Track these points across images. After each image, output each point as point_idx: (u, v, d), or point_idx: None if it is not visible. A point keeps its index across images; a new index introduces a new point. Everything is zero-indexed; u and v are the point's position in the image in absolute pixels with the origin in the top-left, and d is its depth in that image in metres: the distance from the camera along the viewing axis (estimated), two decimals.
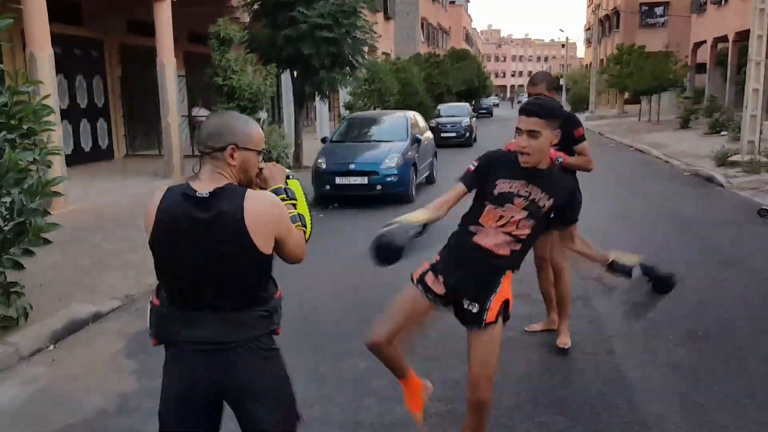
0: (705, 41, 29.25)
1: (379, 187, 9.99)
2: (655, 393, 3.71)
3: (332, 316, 5.12)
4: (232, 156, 1.99)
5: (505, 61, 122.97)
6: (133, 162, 14.10)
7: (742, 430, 3.30)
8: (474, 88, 40.70)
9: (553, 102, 2.93)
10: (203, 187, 1.94)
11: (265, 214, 1.95)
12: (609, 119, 34.00)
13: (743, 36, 23.91)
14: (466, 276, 2.74)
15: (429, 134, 13.21)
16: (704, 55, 29.62)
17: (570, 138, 3.77)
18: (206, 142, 2.00)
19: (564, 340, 4.25)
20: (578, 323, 4.81)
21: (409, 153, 10.68)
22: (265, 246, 1.96)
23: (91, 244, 7.08)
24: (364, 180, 9.95)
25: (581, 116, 38.52)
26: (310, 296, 5.65)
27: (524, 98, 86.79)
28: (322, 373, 4.04)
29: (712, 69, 28.42)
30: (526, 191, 2.68)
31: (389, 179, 10.00)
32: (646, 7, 39.61)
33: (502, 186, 2.69)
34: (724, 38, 26.59)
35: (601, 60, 40.56)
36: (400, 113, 12.84)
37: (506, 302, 2.74)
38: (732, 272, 6.15)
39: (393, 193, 10.15)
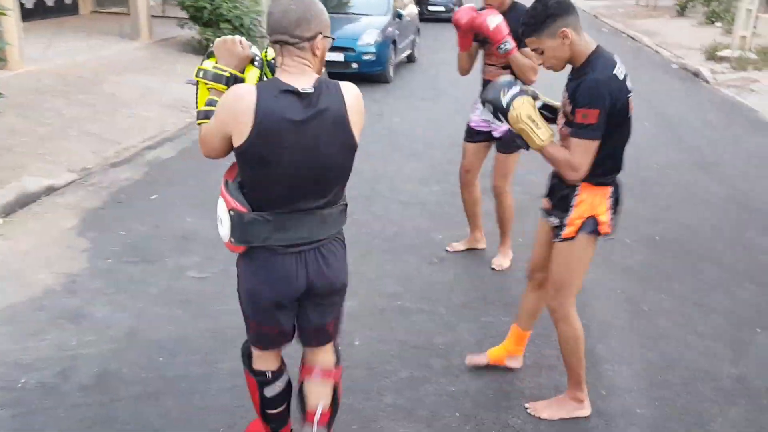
0: None
1: (355, 65, 9.56)
2: (602, 297, 3.75)
3: None
4: (318, 46, 1.86)
5: None
6: (100, 20, 13.28)
7: (682, 337, 3.37)
8: None
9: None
10: (300, 82, 1.82)
11: (358, 105, 1.94)
12: (606, 0, 32.62)
13: None
14: (550, 185, 2.69)
15: (413, 8, 12.53)
16: None
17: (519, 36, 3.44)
18: (293, 31, 1.81)
19: (499, 262, 4.06)
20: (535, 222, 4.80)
21: (389, 29, 10.16)
22: (358, 138, 1.96)
23: (49, 109, 6.76)
24: (339, 56, 9.49)
25: None
26: None
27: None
28: None
29: None
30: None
31: (366, 57, 9.56)
32: None
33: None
34: None
35: None
36: None
37: (591, 219, 2.48)
38: (704, 176, 6.11)
39: (369, 72, 9.76)
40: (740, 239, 4.68)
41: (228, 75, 1.98)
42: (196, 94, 2.03)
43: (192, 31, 10.68)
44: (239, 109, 1.77)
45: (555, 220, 2.59)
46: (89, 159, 5.70)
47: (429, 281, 3.88)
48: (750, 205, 5.36)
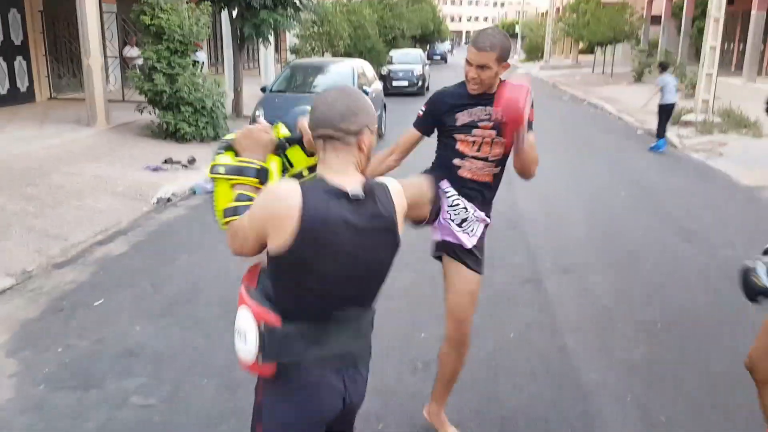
0: None
1: None
2: (612, 405, 3.30)
3: None
4: (365, 140, 1.70)
5: (461, 4, 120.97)
6: (57, 106, 12.92)
7: None
8: (429, 33, 39.63)
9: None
10: (348, 183, 1.65)
11: (403, 203, 1.78)
12: (563, 69, 33.69)
13: None
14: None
15: (378, 85, 12.49)
16: (659, 6, 29.29)
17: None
18: (338, 124, 1.66)
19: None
20: (528, 311, 4.40)
21: None
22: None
23: None
24: None
25: (535, 66, 38.15)
26: (235, 272, 5.04)
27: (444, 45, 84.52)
28: (236, 378, 3.49)
29: (667, 21, 28.13)
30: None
31: None
32: None
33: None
34: None
35: (558, 8, 39.90)
36: (346, 62, 12.03)
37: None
38: (690, 247, 5.83)
39: None
40: (744, 320, 4.32)
41: (258, 167, 1.79)
42: (211, 193, 1.85)
43: (151, 116, 10.36)
44: (281, 210, 1.58)
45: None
46: (30, 260, 5.17)
47: (414, 394, 3.38)
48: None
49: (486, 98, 2.67)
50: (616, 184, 8.46)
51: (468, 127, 2.70)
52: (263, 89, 10.87)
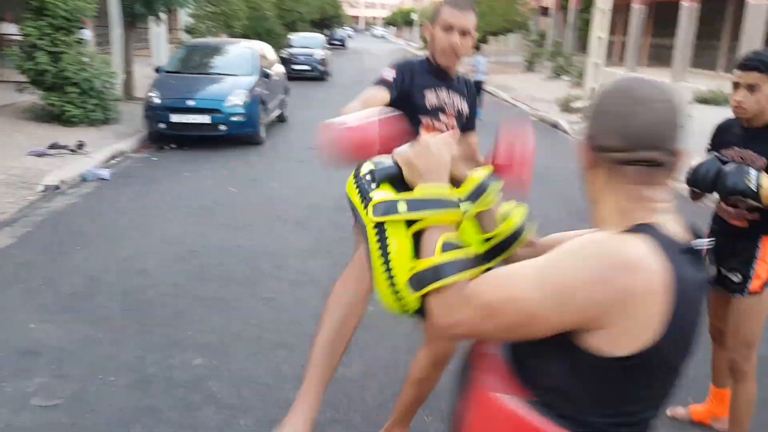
0: None
1: (223, 126, 9.00)
2: None
3: (162, 292, 4.32)
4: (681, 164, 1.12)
5: None
6: None
7: None
8: (328, 18, 39.30)
9: None
10: (677, 229, 1.09)
11: None
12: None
13: None
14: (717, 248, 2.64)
15: (280, 68, 12.22)
16: None
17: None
18: (668, 143, 1.07)
19: None
20: None
21: (257, 89, 9.72)
22: None
23: None
24: (206, 118, 8.91)
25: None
26: (137, 264, 4.79)
27: (377, 31, 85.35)
28: (148, 375, 3.31)
29: (556, 12, 29.51)
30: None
31: (235, 118, 9.04)
32: None
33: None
34: None
35: None
36: (246, 43, 11.68)
37: None
38: (584, 225, 6.14)
39: (240, 133, 9.23)
40: None
41: (457, 200, 1.19)
42: (107, 180, 1.31)
43: (34, 97, 9.60)
44: (637, 285, 0.98)
45: (736, 277, 2.60)
46: None
47: (335, 379, 3.34)
48: None
49: (447, 79, 2.47)
50: None
51: (436, 111, 2.45)
52: (157, 70, 10.35)
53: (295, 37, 22.56)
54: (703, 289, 1.10)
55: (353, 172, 1.29)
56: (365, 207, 1.20)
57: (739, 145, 2.54)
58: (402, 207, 1.15)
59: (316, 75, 20.16)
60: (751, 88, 2.39)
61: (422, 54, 2.80)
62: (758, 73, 2.37)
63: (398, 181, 1.21)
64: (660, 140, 1.07)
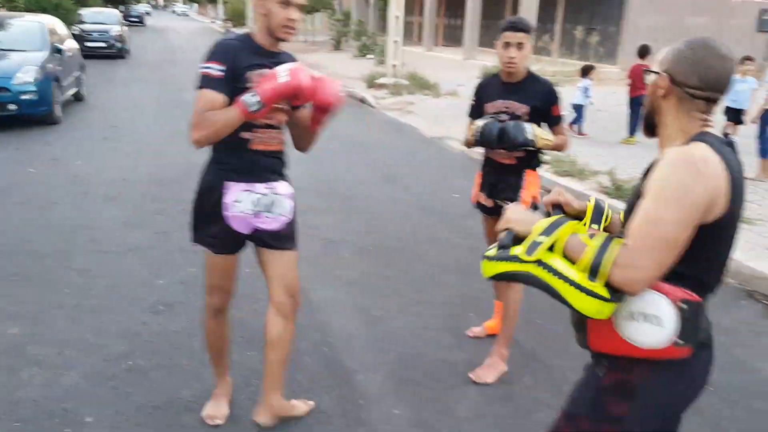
0: None
1: (13, 106, 8.33)
2: (338, 312, 3.87)
3: None
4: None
5: None
6: None
7: (416, 334, 3.64)
8: None
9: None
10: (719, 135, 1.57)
11: None
12: None
13: None
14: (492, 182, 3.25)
15: (73, 43, 11.44)
16: None
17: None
18: (723, 89, 1.55)
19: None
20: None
21: (50, 65, 9.09)
22: None
23: None
24: None
25: (241, 32, 37.83)
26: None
27: (179, 8, 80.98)
28: None
29: None
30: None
31: (25, 97, 8.40)
32: None
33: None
34: None
35: None
36: (32, 17, 10.79)
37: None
38: (392, 187, 6.78)
39: (32, 114, 8.60)
40: (435, 238, 5.28)
41: (555, 216, 1.59)
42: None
43: None
44: (715, 175, 1.43)
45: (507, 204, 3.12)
46: None
47: (161, 332, 3.52)
48: (434, 209, 6.09)
49: (273, 56, 2.42)
50: (328, 140, 9.22)
51: None
52: None
53: (86, 13, 20.96)
54: (741, 168, 1.53)
55: (485, 261, 1.58)
56: (517, 261, 1.51)
57: (502, 98, 3.12)
58: (540, 239, 1.49)
59: (114, 53, 19.00)
60: (520, 46, 3.01)
61: (233, 32, 2.96)
62: (524, 33, 3.01)
63: (516, 240, 1.56)
64: (723, 87, 1.53)
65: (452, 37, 25.50)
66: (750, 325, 3.95)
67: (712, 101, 1.54)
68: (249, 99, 2.26)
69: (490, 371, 3.23)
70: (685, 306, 1.44)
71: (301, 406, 2.84)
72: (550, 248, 1.48)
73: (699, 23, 18.10)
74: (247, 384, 3.04)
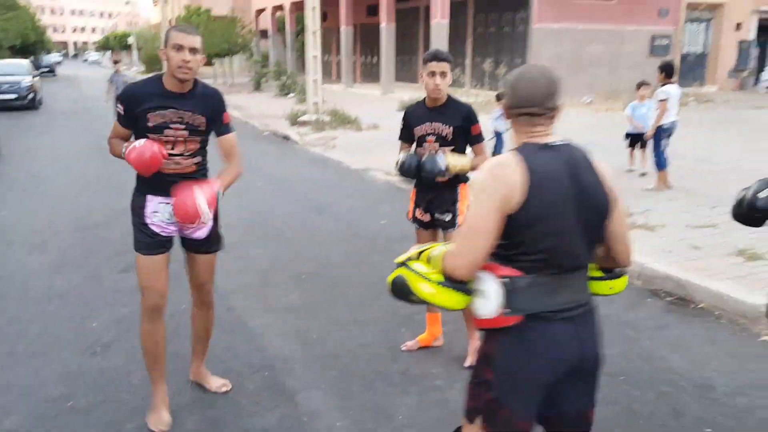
0: (265, 9, 31.46)
1: None
2: (277, 336, 4.00)
3: None
4: (560, 114, 1.87)
5: (62, 14, 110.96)
6: None
7: (353, 351, 3.82)
8: (30, 43, 35.73)
9: None
10: (548, 140, 1.85)
11: (604, 168, 1.89)
12: None
13: (298, 6, 26.57)
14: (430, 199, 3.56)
15: None
16: (266, 22, 31.90)
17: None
18: (545, 102, 1.81)
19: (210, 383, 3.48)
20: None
21: None
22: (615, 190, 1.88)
23: None
24: None
25: (129, 72, 37.53)
26: None
27: (91, 56, 78.94)
28: None
29: (274, 35, 30.87)
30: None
31: None
32: None
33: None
34: (281, 7, 29.05)
35: (169, 20, 39.94)
36: None
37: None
38: (323, 219, 6.96)
39: None
40: (366, 262, 5.48)
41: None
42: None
43: None
44: (507, 175, 1.74)
45: (447, 216, 3.53)
46: None
47: (99, 371, 3.54)
48: (363, 235, 6.31)
49: (180, 99, 2.81)
50: (254, 177, 9.35)
51: (160, 128, 2.81)
52: None
53: None
54: (560, 168, 1.77)
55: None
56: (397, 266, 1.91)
57: (428, 120, 3.50)
58: (413, 250, 1.98)
59: (26, 104, 18.45)
60: (443, 74, 3.38)
61: (122, 72, 3.45)
62: (446, 63, 3.40)
63: None
64: (535, 102, 1.81)
65: (369, 73, 26.19)
66: (654, 319, 4.34)
67: (536, 115, 1.82)
68: (124, 150, 2.81)
69: None
70: (507, 281, 1.76)
71: (214, 381, 3.36)
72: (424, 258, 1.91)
73: (595, 51, 19.40)
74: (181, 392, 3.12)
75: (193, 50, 2.76)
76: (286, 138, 13.28)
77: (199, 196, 2.72)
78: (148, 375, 3.09)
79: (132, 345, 3.83)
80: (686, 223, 6.11)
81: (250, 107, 19.03)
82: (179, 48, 2.74)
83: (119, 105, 2.87)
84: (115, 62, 12.59)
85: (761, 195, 2.26)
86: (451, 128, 3.44)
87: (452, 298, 1.80)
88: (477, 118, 3.49)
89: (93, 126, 14.58)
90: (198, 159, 2.97)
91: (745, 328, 4.13)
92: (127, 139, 2.93)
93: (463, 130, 3.45)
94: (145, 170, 2.77)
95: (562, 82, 1.86)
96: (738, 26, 21.92)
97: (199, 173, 2.99)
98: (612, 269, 1.99)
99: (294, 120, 14.61)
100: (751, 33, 22.28)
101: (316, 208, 7.45)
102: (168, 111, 2.80)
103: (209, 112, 2.91)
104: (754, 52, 22.47)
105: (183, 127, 2.83)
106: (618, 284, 2.01)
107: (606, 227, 1.87)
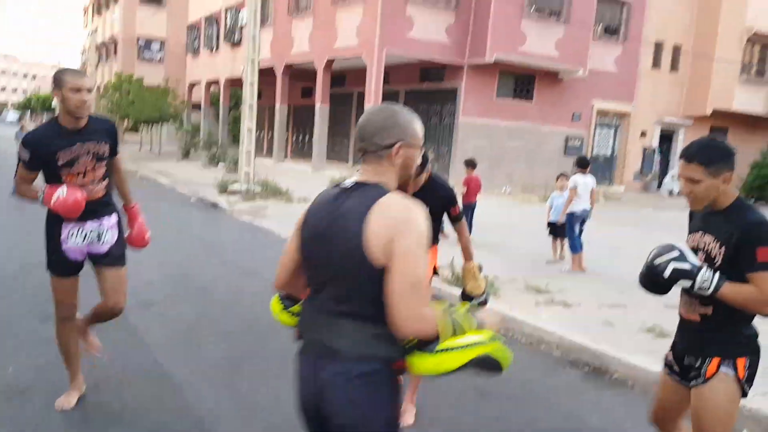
0: (199, 82, 31.76)
1: None
2: (204, 389, 3.92)
3: None
4: (397, 153, 1.83)
5: None
6: None
7: (282, 403, 3.79)
8: None
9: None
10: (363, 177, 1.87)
11: (388, 217, 1.71)
12: None
13: (234, 82, 27.02)
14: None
15: None
16: (199, 95, 32.11)
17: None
18: (371, 138, 1.83)
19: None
20: (118, 339, 4.68)
21: None
22: (379, 254, 1.70)
23: None
24: None
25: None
26: None
27: (11, 115, 76.40)
28: None
29: (207, 107, 31.04)
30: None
31: None
32: (143, 42, 40.45)
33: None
34: (216, 81, 29.44)
35: (99, 86, 39.54)
36: None
37: None
38: (251, 281, 6.93)
39: None
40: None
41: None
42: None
43: None
44: (301, 214, 1.97)
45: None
46: None
47: (14, 417, 3.36)
48: None
49: (81, 134, 3.16)
50: (184, 240, 9.24)
51: (70, 163, 3.15)
52: None
53: None
54: (327, 202, 1.84)
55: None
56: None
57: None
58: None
59: None
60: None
61: (28, 129, 3.90)
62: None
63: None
64: (368, 138, 1.83)
65: (300, 151, 26.66)
66: (573, 387, 4.56)
67: (362, 152, 1.86)
68: (41, 195, 3.15)
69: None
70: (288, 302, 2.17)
71: (91, 342, 3.66)
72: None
73: (515, 146, 20.63)
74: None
75: (89, 90, 3.07)
76: (214, 205, 13.21)
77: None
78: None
79: (51, 391, 3.67)
80: (599, 303, 6.50)
81: (177, 174, 18.88)
82: (77, 89, 3.03)
83: (24, 151, 3.12)
84: (21, 121, 12.87)
85: (657, 261, 2.41)
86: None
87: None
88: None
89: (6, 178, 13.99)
90: (105, 182, 3.33)
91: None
92: (33, 181, 3.24)
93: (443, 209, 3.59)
94: (68, 214, 3.11)
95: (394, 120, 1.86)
96: (643, 134, 23.95)
97: (107, 195, 3.37)
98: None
99: (224, 188, 14.59)
100: (654, 141, 24.37)
101: (245, 271, 7.42)
102: (74, 147, 3.12)
103: (110, 139, 3.31)
104: (657, 157, 24.51)
105: (91, 157, 3.18)
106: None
107: (356, 282, 1.78)
